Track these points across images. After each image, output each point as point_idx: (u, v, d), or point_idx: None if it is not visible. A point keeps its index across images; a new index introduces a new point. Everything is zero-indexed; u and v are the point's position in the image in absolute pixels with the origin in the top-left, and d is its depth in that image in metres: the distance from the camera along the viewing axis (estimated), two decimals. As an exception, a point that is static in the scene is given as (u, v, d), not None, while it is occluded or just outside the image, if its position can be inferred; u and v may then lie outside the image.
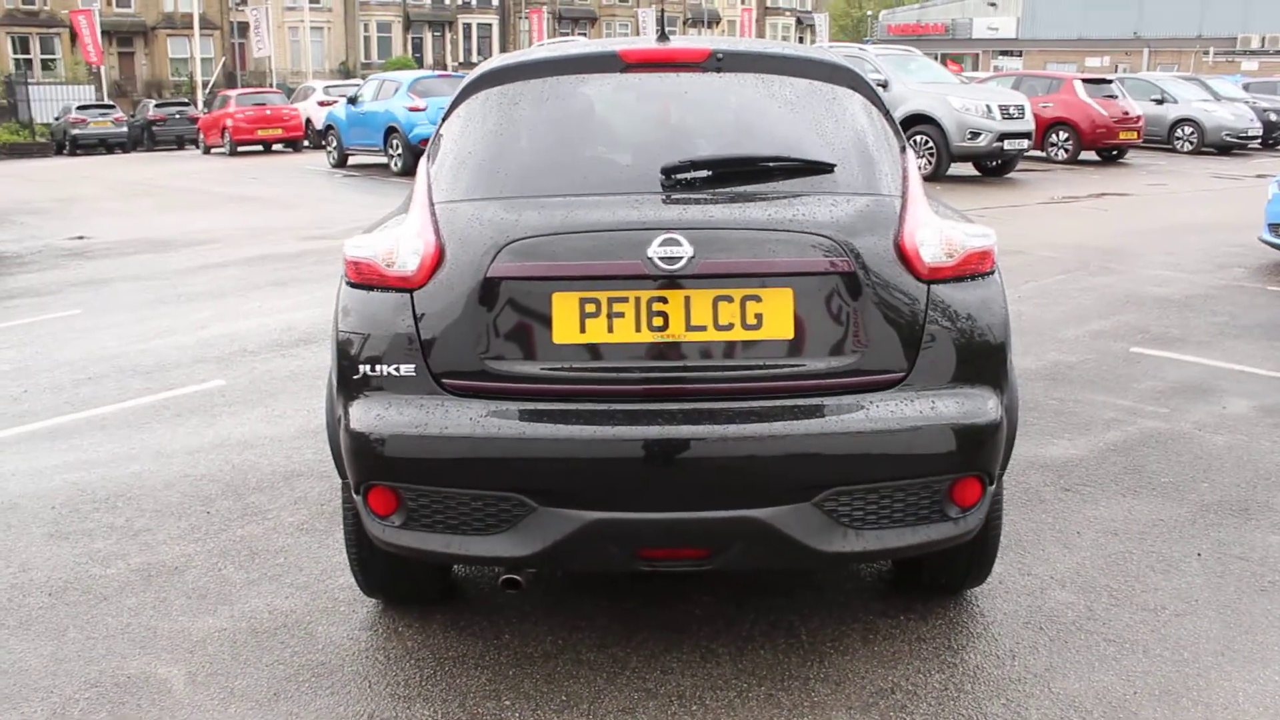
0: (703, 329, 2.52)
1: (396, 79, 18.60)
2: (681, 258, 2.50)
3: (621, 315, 2.52)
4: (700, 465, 2.48)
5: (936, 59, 32.34)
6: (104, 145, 28.44)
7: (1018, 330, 6.29)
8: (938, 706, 2.67)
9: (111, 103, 31.74)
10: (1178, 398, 5.11)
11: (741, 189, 2.67)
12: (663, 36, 3.24)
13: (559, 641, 3.05)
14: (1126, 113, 17.45)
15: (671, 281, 2.51)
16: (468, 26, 62.56)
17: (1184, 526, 3.68)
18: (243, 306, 7.86)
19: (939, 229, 2.65)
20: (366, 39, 59.01)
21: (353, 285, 2.74)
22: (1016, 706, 2.67)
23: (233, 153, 24.25)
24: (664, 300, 2.52)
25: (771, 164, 2.69)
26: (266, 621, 3.25)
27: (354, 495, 2.73)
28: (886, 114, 2.96)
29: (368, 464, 2.63)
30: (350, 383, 2.70)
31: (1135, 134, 17.60)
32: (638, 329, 2.52)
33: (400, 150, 17.47)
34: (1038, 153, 17.08)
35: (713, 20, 64.15)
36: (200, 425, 5.13)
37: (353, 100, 19.21)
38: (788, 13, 68.64)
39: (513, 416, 2.54)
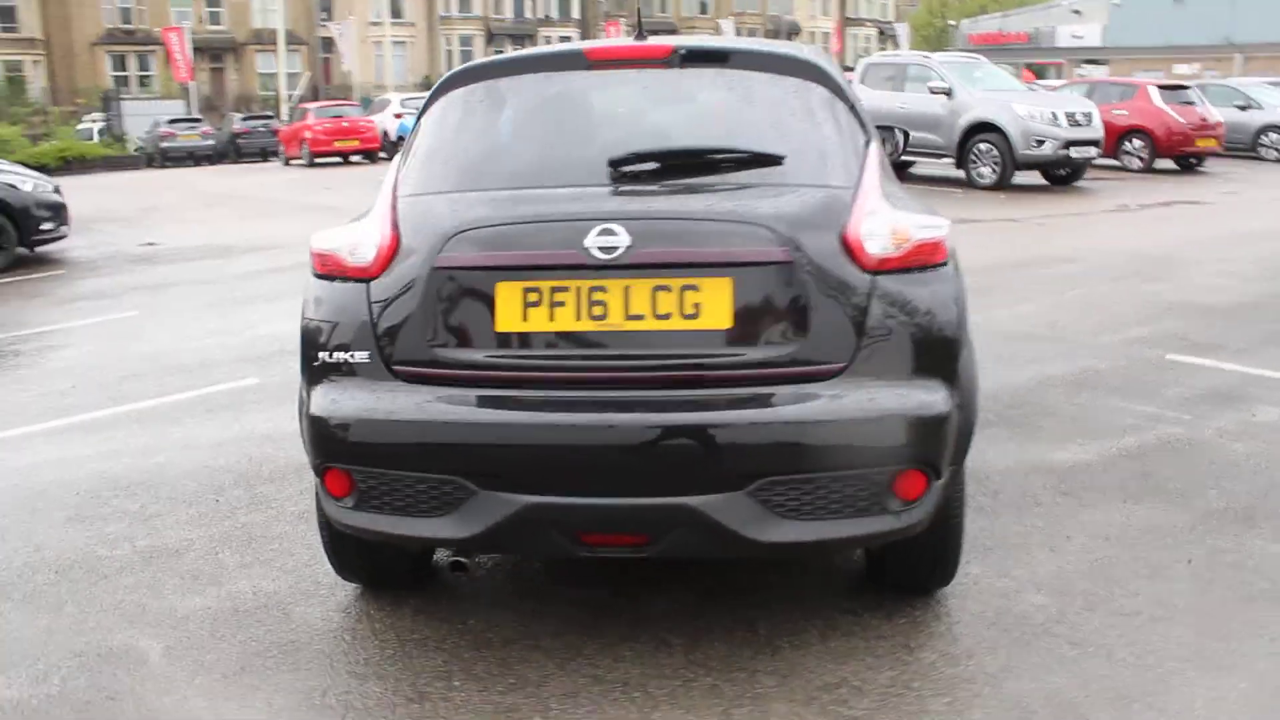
0: (641, 318, 2.55)
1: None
2: (618, 247, 2.54)
3: (562, 304, 2.57)
4: (634, 452, 2.51)
5: (1016, 68, 31.84)
6: (192, 157, 29.46)
7: (1053, 338, 6.18)
8: (880, 703, 2.65)
9: (199, 116, 32.90)
10: (1205, 404, 4.95)
11: (688, 181, 2.70)
12: (640, 37, 3.30)
13: (521, 628, 3.09)
14: (1204, 119, 16.89)
15: (608, 271, 2.54)
16: (549, 40, 63.38)
17: (1181, 533, 3.57)
18: (293, 309, 8.06)
19: (888, 220, 2.63)
20: (449, 53, 60.16)
21: (318, 276, 2.86)
22: (961, 705, 2.63)
23: (311, 164, 24.91)
24: (604, 290, 2.55)
25: (718, 156, 2.71)
26: (249, 602, 3.36)
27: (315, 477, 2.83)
28: (852, 107, 2.96)
29: (323, 447, 2.73)
30: (312, 369, 2.81)
31: (1214, 141, 17.03)
32: (578, 318, 2.56)
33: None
34: (1112, 161, 16.66)
35: (793, 32, 63.95)
36: (228, 420, 5.31)
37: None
38: (869, 23, 68.10)
39: (456, 402, 2.61)
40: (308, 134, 25.36)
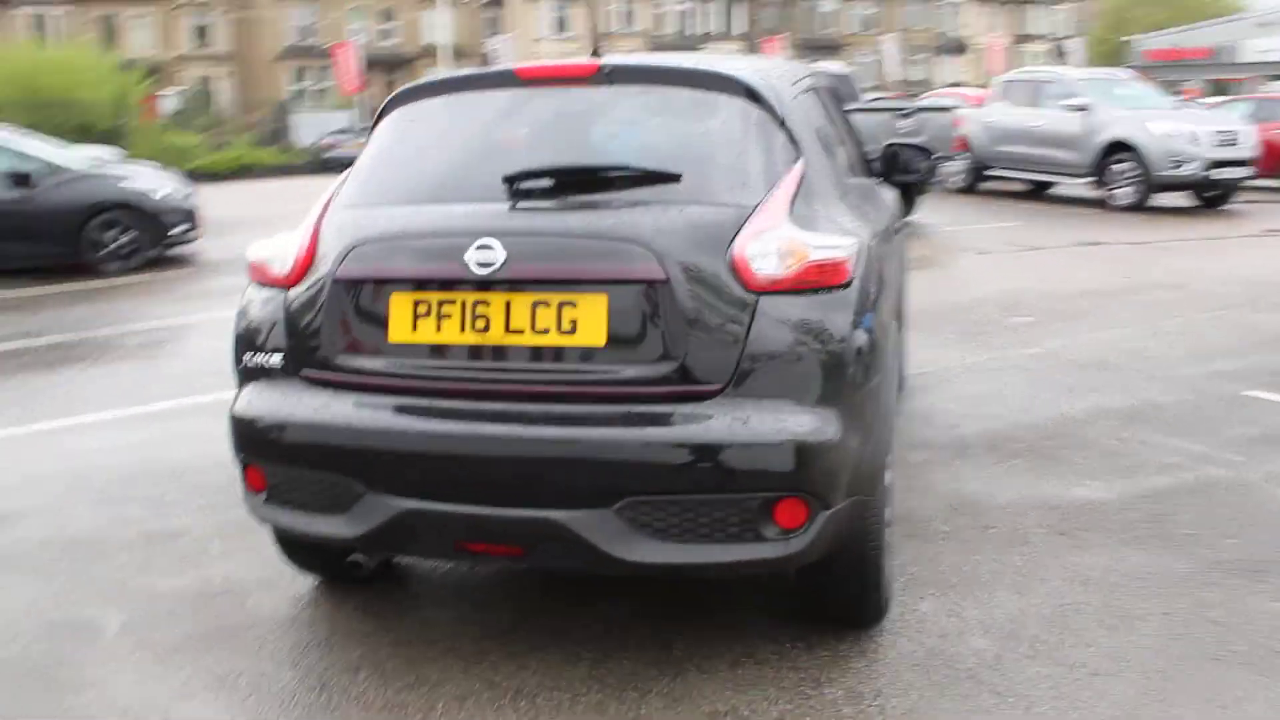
0: (521, 333, 2.57)
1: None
2: (494, 263, 2.57)
3: (449, 316, 2.61)
4: (505, 464, 2.52)
5: (1197, 84, 29.90)
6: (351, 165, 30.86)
7: (1131, 368, 5.80)
8: (759, 734, 2.55)
9: (364, 127, 34.43)
10: (1264, 446, 4.55)
11: (582, 198, 2.70)
12: (595, 54, 3.32)
13: (448, 629, 3.14)
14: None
15: (486, 285, 2.57)
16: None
17: (1171, 583, 3.30)
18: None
19: (780, 240, 2.54)
20: (614, 68, 61.16)
21: (252, 284, 2.99)
22: (841, 745, 2.50)
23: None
24: (486, 304, 2.59)
25: (613, 174, 2.69)
26: (216, 587, 3.51)
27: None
28: (783, 123, 2.88)
29: (239, 444, 2.87)
30: (239, 370, 2.96)
31: (1397, 164, 15.59)
32: (462, 330, 2.60)
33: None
34: (1276, 183, 15.48)
35: (959, 49, 62.20)
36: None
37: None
38: (1041, 40, 65.57)
39: (348, 406, 2.68)
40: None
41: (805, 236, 2.58)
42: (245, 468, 2.90)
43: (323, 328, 2.75)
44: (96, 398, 6.08)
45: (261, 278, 2.93)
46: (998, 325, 7.12)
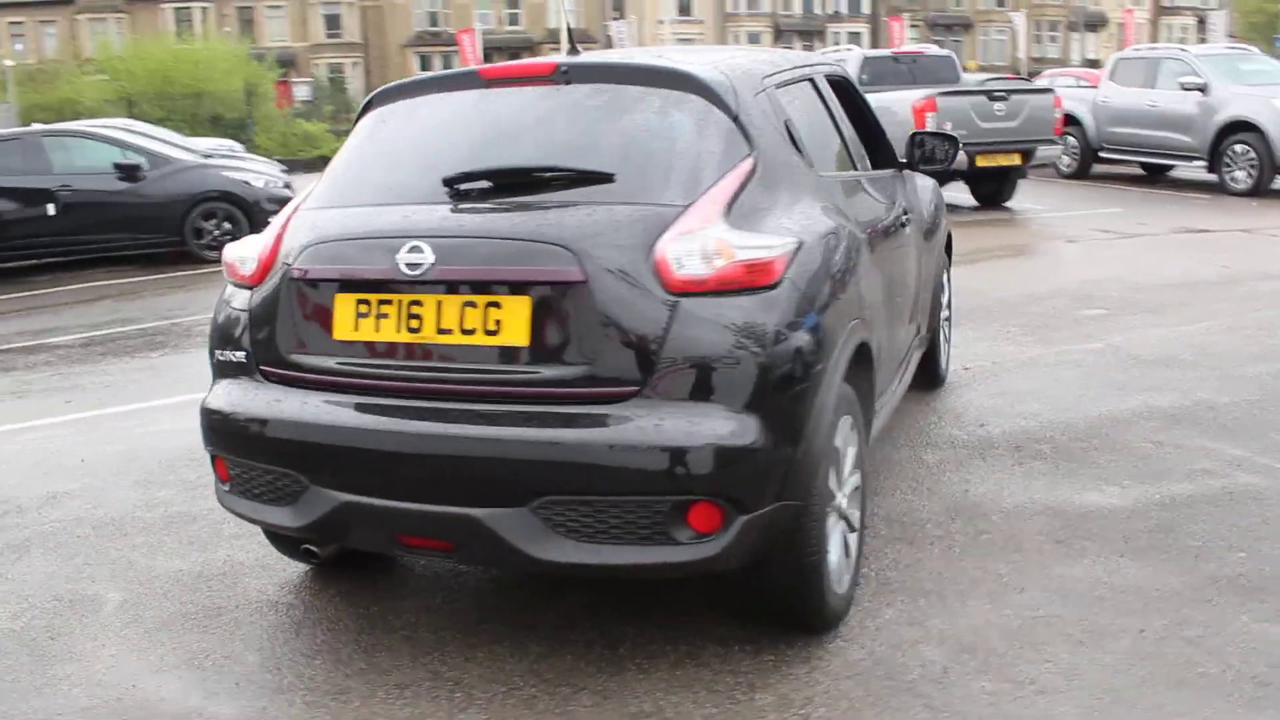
0: (450, 333, 2.62)
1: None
2: (422, 264, 2.62)
3: (387, 316, 2.68)
4: (429, 462, 2.58)
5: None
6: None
7: (1197, 365, 5.50)
8: (676, 736, 2.54)
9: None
10: (1314, 455, 4.26)
11: (517, 199, 2.73)
12: (573, 51, 3.34)
13: (412, 619, 3.23)
14: None
15: (417, 286, 2.62)
16: (837, 35, 62.54)
17: (1159, 598, 3.13)
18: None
19: (705, 240, 2.51)
20: (737, 49, 60.73)
21: (228, 282, 3.12)
22: (753, 753, 2.47)
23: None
24: (420, 304, 2.65)
25: (547, 174, 2.71)
26: (216, 569, 3.68)
27: None
28: (735, 118, 2.84)
29: (206, 435, 3.02)
30: (212, 364, 3.09)
31: None
32: (398, 330, 2.67)
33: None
34: None
35: (1097, 23, 59.42)
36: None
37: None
38: (1187, 11, 62.11)
39: (296, 403, 2.78)
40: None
41: (732, 236, 2.54)
42: (213, 459, 3.04)
43: (279, 326, 2.86)
44: (168, 383, 6.42)
45: (233, 276, 3.06)
46: (1066, 318, 6.84)
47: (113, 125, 12.21)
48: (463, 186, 2.75)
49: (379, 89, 3.31)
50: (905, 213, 4.20)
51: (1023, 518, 3.74)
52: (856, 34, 61.48)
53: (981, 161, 11.21)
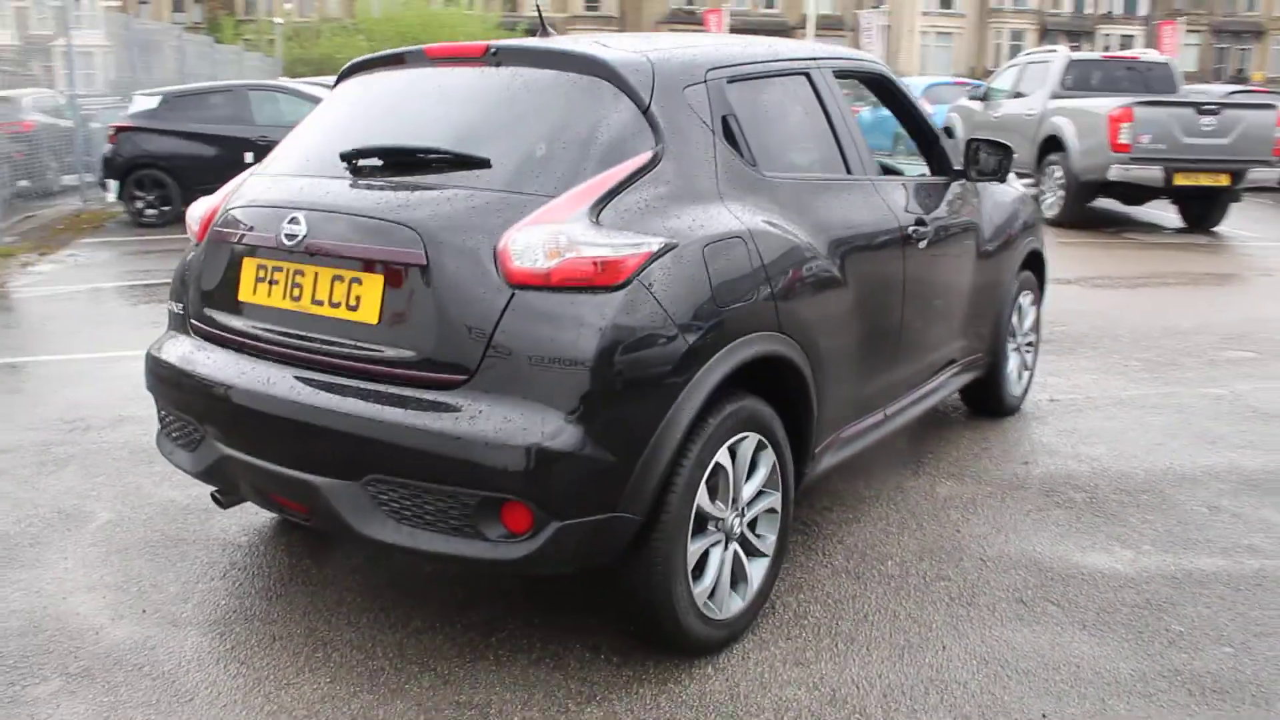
0: (321, 304, 2.67)
1: (912, 84, 18.41)
2: (297, 235, 2.69)
3: (276, 283, 2.78)
4: (284, 425, 2.64)
5: None
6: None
7: None
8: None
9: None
10: (1400, 549, 3.63)
11: (400, 179, 2.73)
12: (544, 33, 3.30)
13: (327, 573, 3.34)
14: None
15: (294, 256, 2.69)
16: (1108, 37, 58.58)
17: (1092, 683, 2.77)
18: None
19: (553, 234, 2.42)
20: (997, 45, 57.94)
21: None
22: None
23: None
24: (302, 274, 2.71)
25: (432, 156, 2.71)
26: (201, 505, 3.91)
27: None
28: (645, 110, 2.73)
29: (145, 381, 3.16)
30: (168, 316, 3.25)
31: None
32: (284, 297, 2.76)
33: (901, 154, 17.30)
34: None
35: None
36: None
37: (876, 104, 19.41)
38: None
39: (203, 356, 2.92)
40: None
41: (583, 232, 2.43)
42: (156, 402, 3.21)
43: (204, 284, 3.01)
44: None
45: (189, 234, 3.21)
46: (1203, 357, 6.14)
47: (319, 83, 13.00)
48: (360, 163, 2.78)
49: (351, 61, 3.37)
50: (944, 224, 3.89)
51: (998, 569, 3.40)
52: (1130, 37, 57.31)
53: (1181, 180, 10.20)
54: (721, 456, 2.68)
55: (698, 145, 2.78)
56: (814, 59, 3.49)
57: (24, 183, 12.45)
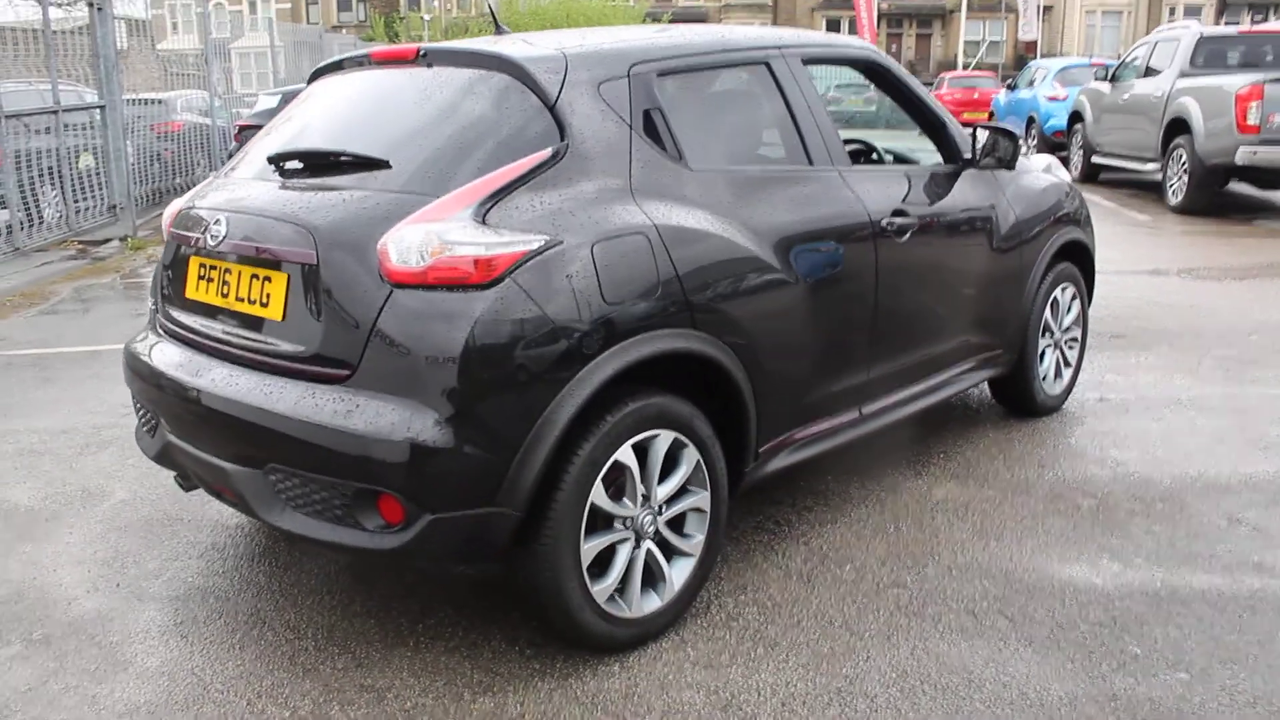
0: (242, 301, 2.80)
1: (1046, 66, 17.57)
2: (219, 236, 2.82)
3: (211, 281, 2.93)
4: (206, 415, 2.77)
5: None
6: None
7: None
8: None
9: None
10: None
11: (310, 180, 2.83)
12: (499, 31, 3.35)
13: (295, 556, 3.45)
14: None
15: (222, 255, 2.83)
16: (1294, 9, 54.35)
17: (1014, 703, 2.62)
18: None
19: (427, 232, 2.46)
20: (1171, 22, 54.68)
21: None
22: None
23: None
24: (230, 273, 2.85)
25: (342, 158, 2.80)
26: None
27: None
28: (552, 107, 2.75)
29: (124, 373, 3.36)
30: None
31: None
32: (216, 294, 2.90)
33: (1035, 140, 16.55)
34: None
35: None
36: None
37: (1011, 86, 18.63)
38: None
39: (158, 350, 3.09)
40: (939, 102, 25.51)
41: (459, 231, 2.45)
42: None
43: (165, 281, 3.19)
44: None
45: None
46: (1284, 358, 5.67)
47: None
48: (286, 165, 2.89)
49: (319, 65, 3.50)
50: (939, 215, 3.73)
51: (961, 579, 3.25)
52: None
53: (1312, 166, 9.41)
54: (623, 454, 2.66)
55: (609, 141, 2.76)
56: (778, 47, 3.39)
57: (178, 180, 13.31)
